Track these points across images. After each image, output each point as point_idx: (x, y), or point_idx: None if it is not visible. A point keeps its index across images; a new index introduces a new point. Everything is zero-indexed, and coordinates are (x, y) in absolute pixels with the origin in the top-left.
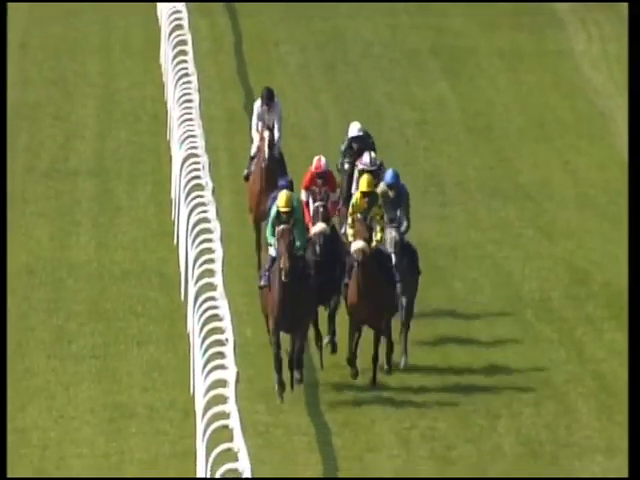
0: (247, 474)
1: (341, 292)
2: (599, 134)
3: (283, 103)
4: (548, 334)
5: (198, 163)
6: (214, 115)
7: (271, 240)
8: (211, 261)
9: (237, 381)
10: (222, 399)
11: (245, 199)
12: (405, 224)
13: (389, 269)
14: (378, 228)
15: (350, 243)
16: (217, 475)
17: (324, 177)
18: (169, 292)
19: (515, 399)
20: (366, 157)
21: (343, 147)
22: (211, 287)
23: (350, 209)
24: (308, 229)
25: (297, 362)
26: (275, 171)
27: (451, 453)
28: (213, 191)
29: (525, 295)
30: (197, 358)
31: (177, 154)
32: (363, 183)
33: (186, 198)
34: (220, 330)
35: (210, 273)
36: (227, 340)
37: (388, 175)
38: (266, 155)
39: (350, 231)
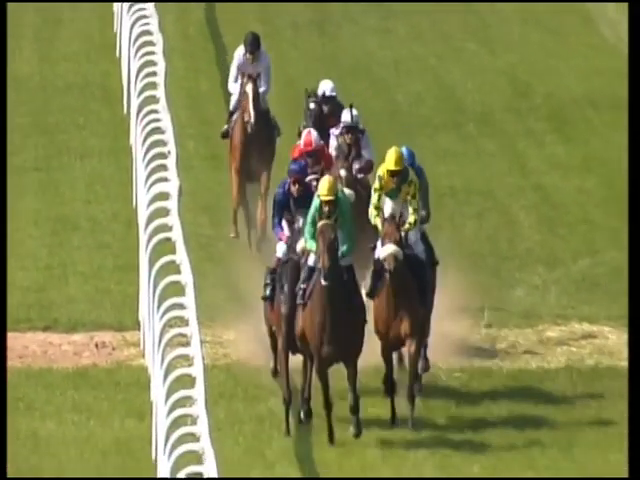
0: (190, 287)
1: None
2: None
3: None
4: (490, 147)
5: None
6: None
7: (311, 243)
8: (154, 74)
9: (179, 194)
10: (164, 212)
11: (225, 154)
12: (423, 213)
13: (422, 277)
14: (411, 209)
15: (372, 223)
16: (158, 289)
17: (315, 156)
18: (112, 105)
19: (457, 212)
20: (346, 114)
21: (308, 106)
22: (154, 100)
23: (377, 183)
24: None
25: (354, 407)
26: (261, 134)
27: None
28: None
29: (467, 108)
30: (140, 171)
31: None
32: (390, 160)
33: (129, 10)
34: (162, 143)
35: (153, 86)
36: (169, 153)
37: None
38: (251, 116)
39: (374, 212)
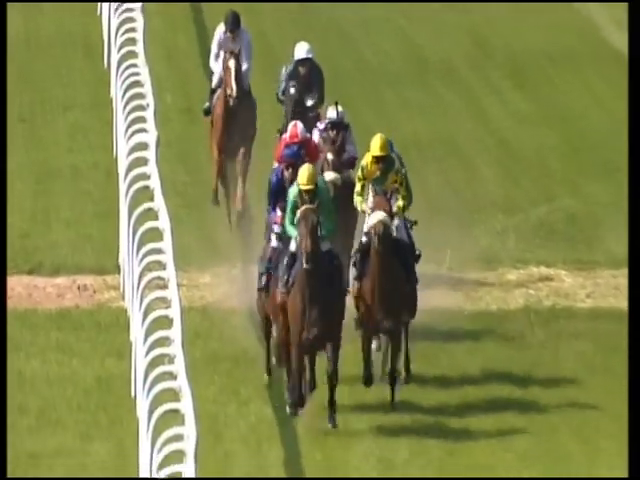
0: (167, 233)
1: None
2: None
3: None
4: (455, 101)
5: None
6: None
7: (291, 230)
8: (133, 30)
9: (157, 144)
10: (143, 161)
11: (205, 132)
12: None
13: (408, 261)
14: (399, 196)
15: (359, 211)
16: (137, 234)
17: (302, 147)
18: (93, 60)
19: (421, 162)
20: (332, 111)
21: (286, 70)
22: (133, 55)
23: (359, 172)
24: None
25: (330, 396)
26: (242, 111)
27: None
28: None
29: (433, 65)
30: (120, 122)
31: None
32: (375, 146)
33: None
34: (141, 96)
35: (132, 42)
36: (148, 105)
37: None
38: (233, 90)
39: (359, 198)
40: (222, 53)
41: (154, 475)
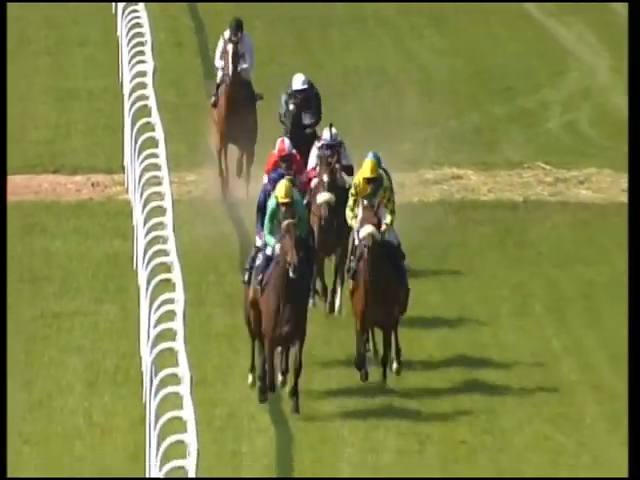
0: (161, 141)
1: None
2: None
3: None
4: (385, 39)
5: None
6: None
7: (269, 239)
8: None
9: (154, 72)
10: (143, 85)
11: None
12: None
13: (398, 261)
14: (387, 211)
15: (352, 227)
16: (138, 142)
17: (289, 160)
18: (103, 7)
19: (358, 86)
20: (326, 133)
21: (285, 97)
22: (134, 3)
23: (352, 189)
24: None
25: (295, 376)
26: (241, 94)
27: None
28: None
29: (369, 11)
30: (124, 54)
31: None
32: (366, 169)
33: None
34: (141, 34)
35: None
36: (146, 42)
37: (370, 157)
38: (230, 71)
39: (350, 214)
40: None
41: (151, 332)
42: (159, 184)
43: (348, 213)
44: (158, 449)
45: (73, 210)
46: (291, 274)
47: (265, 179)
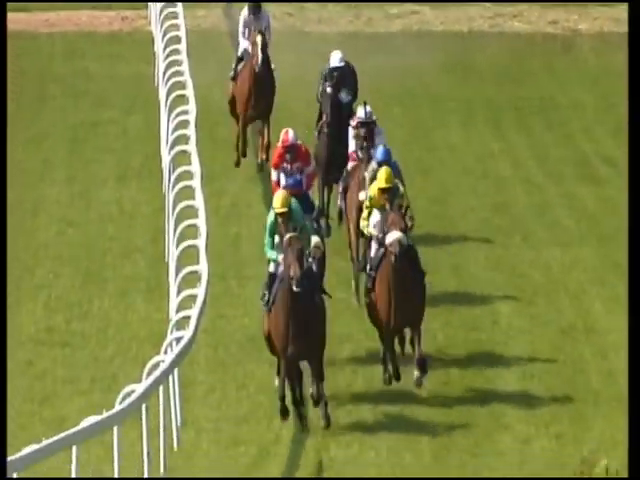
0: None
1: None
2: None
3: None
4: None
5: None
6: None
7: (271, 253)
8: None
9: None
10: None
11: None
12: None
13: (418, 264)
14: (406, 218)
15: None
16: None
17: (293, 151)
18: None
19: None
20: (360, 111)
21: (322, 74)
22: None
23: (367, 202)
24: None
25: (317, 396)
26: (266, 77)
27: None
28: None
29: None
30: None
31: None
32: (381, 178)
33: None
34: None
35: None
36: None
37: (379, 152)
38: (259, 59)
39: (365, 223)
40: (246, 30)
41: (169, 137)
42: (175, 17)
43: (362, 223)
44: (175, 231)
45: (106, 39)
46: (294, 288)
47: (274, 175)
